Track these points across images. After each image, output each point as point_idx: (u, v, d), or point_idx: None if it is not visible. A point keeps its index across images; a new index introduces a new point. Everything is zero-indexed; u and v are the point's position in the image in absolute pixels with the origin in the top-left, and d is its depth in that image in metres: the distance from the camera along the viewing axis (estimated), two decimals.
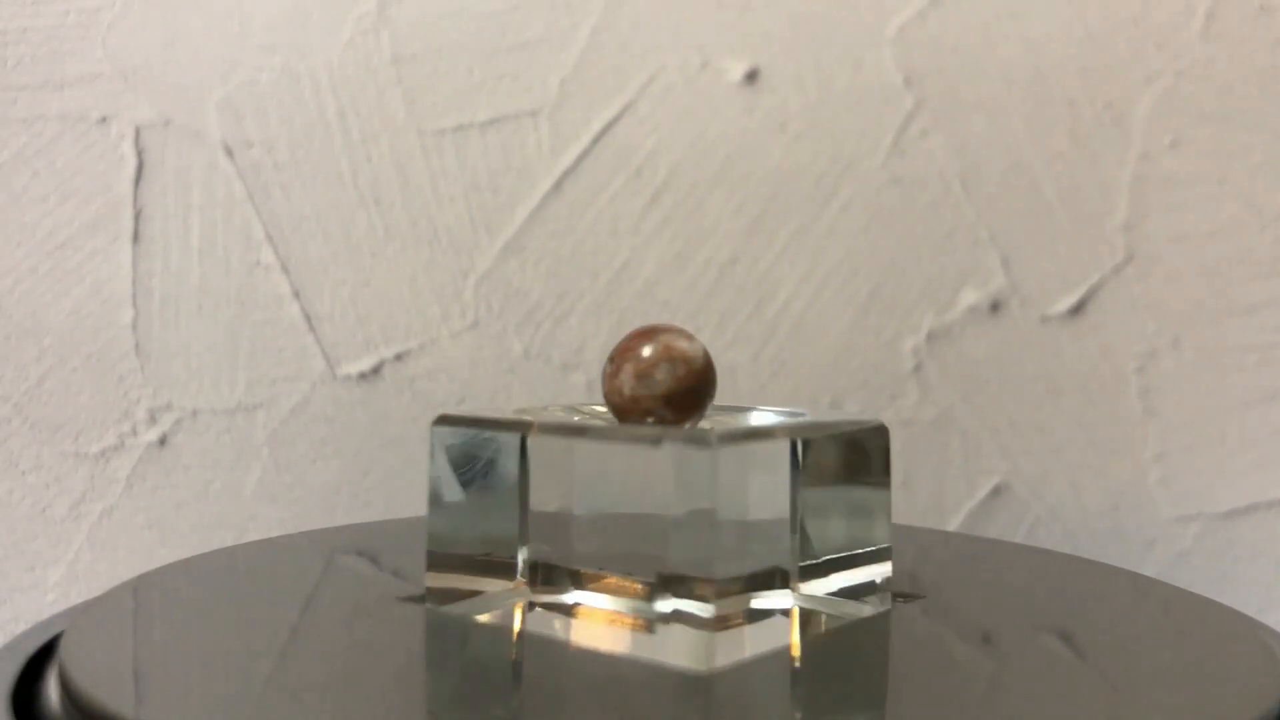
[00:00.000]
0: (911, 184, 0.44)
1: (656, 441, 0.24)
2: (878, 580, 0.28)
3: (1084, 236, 0.43)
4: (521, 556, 0.27)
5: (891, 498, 0.29)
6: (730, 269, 0.45)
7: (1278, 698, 0.22)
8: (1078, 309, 0.43)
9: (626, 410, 0.27)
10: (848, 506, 0.28)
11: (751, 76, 0.45)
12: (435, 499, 0.28)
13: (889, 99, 0.44)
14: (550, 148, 0.46)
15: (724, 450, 0.24)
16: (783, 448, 0.26)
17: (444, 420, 0.28)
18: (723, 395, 0.44)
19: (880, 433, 0.28)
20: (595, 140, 0.45)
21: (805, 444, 0.26)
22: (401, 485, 0.47)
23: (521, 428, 0.27)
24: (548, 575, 0.26)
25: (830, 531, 0.27)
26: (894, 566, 0.28)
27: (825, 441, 0.27)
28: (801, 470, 0.26)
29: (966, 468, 0.44)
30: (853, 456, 0.28)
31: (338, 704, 0.22)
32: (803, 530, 0.26)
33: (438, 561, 0.27)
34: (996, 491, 0.44)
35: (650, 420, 0.27)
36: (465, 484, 0.28)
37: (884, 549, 0.28)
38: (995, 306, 0.44)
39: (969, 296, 0.44)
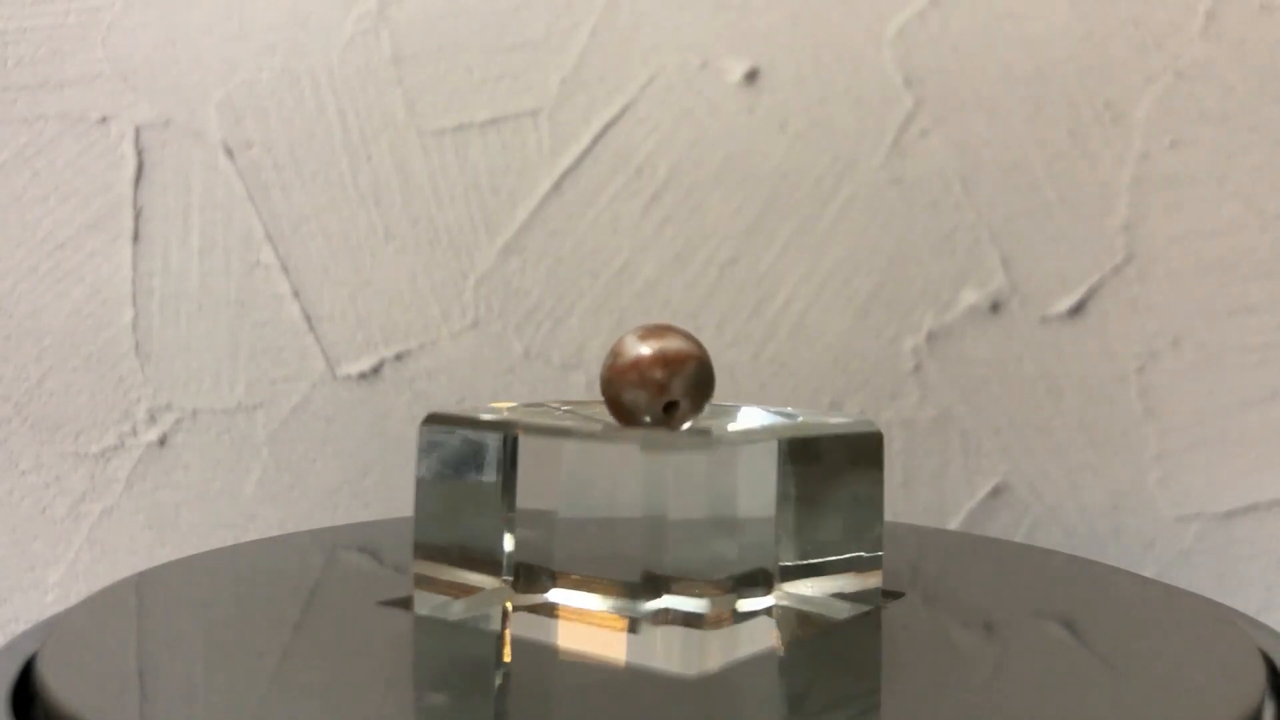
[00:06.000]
0: (911, 184, 0.44)
1: (653, 444, 0.24)
2: (867, 581, 0.28)
3: (1084, 236, 0.43)
4: (506, 554, 0.27)
5: (884, 500, 0.29)
6: (730, 269, 0.45)
7: (1258, 694, 0.23)
8: (1078, 309, 0.43)
9: (611, 407, 0.27)
10: (835, 509, 0.28)
11: (751, 76, 0.45)
12: (422, 498, 0.28)
13: (889, 99, 0.44)
14: (550, 148, 0.46)
15: (726, 453, 0.24)
16: (769, 450, 0.26)
17: (433, 419, 0.28)
18: (723, 394, 0.44)
19: (873, 439, 0.28)
20: (595, 140, 0.45)
21: (791, 446, 0.26)
22: (401, 485, 0.47)
23: (505, 428, 0.27)
24: (531, 575, 0.26)
25: (816, 534, 0.27)
26: (894, 564, 0.28)
27: (811, 444, 0.27)
28: (789, 473, 0.26)
29: (966, 468, 0.44)
30: (841, 460, 0.28)
31: (336, 702, 0.22)
32: (792, 531, 0.26)
33: (424, 558, 0.27)
34: (996, 491, 0.44)
35: (647, 420, 0.27)
36: (452, 483, 0.28)
37: (875, 554, 0.28)
38: (995, 306, 0.44)
39: (969, 296, 0.44)
